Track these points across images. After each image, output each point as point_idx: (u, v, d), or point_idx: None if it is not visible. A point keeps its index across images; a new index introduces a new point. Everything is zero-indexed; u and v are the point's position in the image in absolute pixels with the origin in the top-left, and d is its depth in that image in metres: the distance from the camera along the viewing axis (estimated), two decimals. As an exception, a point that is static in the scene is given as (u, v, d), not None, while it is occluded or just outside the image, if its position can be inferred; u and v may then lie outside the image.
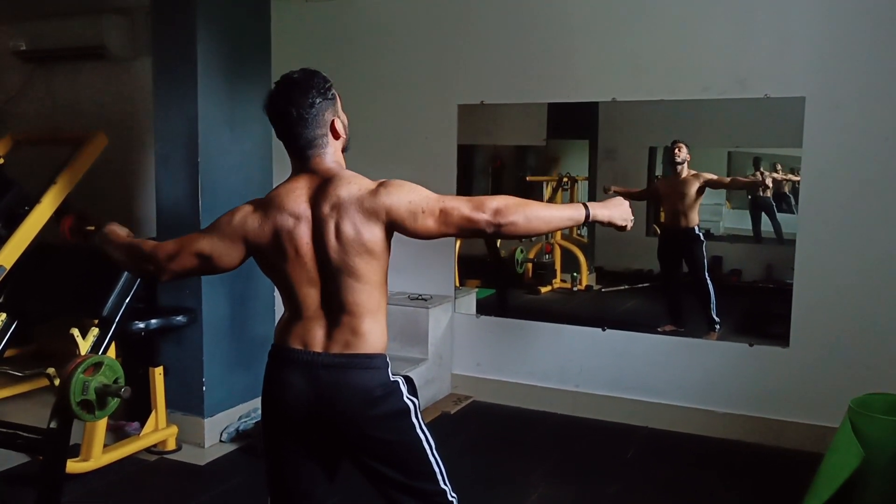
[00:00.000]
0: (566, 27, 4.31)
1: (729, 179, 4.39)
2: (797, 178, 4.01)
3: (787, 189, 4.29)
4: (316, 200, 1.84)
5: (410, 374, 2.07)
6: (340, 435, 1.89)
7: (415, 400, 1.95)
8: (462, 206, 1.79)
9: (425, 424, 1.97)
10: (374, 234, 1.82)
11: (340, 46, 4.80)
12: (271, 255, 1.89)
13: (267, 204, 1.89)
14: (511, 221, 1.77)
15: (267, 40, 4.14)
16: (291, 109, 1.86)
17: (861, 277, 3.80)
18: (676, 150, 4.41)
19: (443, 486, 1.96)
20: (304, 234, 1.84)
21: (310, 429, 1.90)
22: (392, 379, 1.92)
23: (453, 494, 1.98)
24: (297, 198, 1.86)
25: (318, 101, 1.87)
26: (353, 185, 1.83)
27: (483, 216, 1.77)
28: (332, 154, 1.92)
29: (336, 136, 1.92)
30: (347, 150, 1.99)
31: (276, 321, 4.27)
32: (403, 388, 1.93)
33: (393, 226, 1.82)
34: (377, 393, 1.88)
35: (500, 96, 4.39)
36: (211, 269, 1.98)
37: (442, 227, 1.80)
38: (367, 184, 1.84)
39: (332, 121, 1.91)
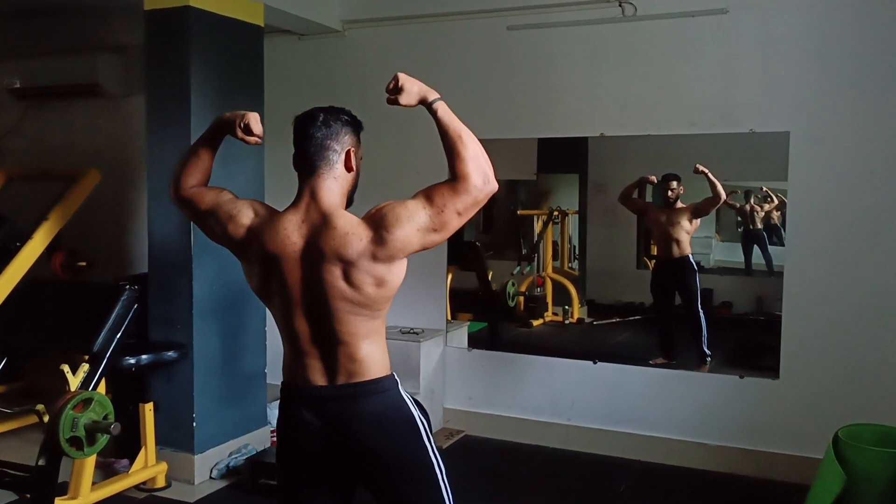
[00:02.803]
0: (555, 64, 4.38)
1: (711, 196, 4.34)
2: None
3: (777, 220, 4.33)
4: (317, 245, 1.83)
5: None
6: (356, 460, 1.90)
7: (425, 421, 1.95)
8: (454, 206, 1.79)
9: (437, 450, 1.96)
10: (396, 273, 1.84)
11: (332, 83, 4.86)
12: (256, 279, 1.93)
13: (261, 231, 1.89)
14: (492, 182, 1.81)
15: (260, 77, 4.19)
16: (320, 114, 1.90)
17: (849, 309, 3.82)
18: (669, 192, 4.45)
19: None
20: (291, 275, 1.85)
21: (325, 460, 1.91)
22: (403, 397, 1.92)
23: None
24: (288, 236, 1.85)
25: (345, 118, 1.93)
26: (353, 237, 1.80)
27: (472, 198, 1.79)
28: (335, 182, 1.89)
29: (348, 166, 1.91)
30: (352, 203, 1.96)
31: (268, 355, 4.29)
32: (414, 409, 1.93)
33: (413, 252, 1.84)
34: (388, 416, 1.89)
35: (491, 132, 4.40)
36: (204, 228, 2.05)
37: (449, 233, 1.83)
38: (365, 232, 1.81)
39: (350, 150, 1.92)
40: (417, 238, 1.80)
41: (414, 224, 1.79)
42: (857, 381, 3.80)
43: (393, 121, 4.71)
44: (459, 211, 1.80)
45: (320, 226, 1.84)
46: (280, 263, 1.85)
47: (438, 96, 1.88)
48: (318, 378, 1.88)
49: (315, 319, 1.87)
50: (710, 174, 4.24)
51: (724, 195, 4.26)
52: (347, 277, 1.81)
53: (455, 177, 1.79)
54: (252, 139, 2.02)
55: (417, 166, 4.67)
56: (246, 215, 1.93)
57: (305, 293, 1.85)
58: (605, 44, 4.27)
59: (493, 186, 1.81)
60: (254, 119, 2.01)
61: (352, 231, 1.81)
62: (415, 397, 1.99)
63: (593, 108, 4.31)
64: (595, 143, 4.49)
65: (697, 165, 4.25)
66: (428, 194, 1.81)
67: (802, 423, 3.90)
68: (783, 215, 4.11)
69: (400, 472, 1.91)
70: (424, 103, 1.89)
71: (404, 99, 1.89)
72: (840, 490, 2.59)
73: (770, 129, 3.93)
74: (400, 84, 1.88)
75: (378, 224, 1.80)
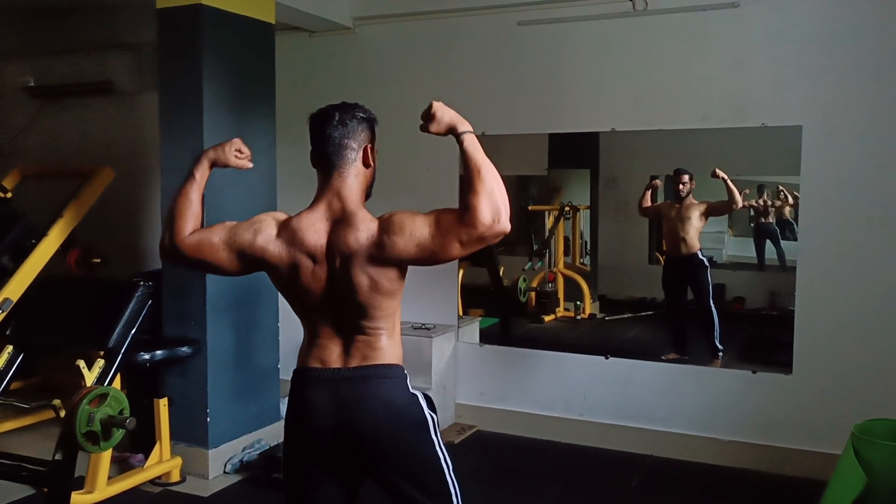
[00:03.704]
0: (565, 59, 4.37)
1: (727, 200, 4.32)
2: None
3: (790, 216, 4.31)
4: (334, 240, 1.88)
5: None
6: (363, 451, 1.91)
7: (433, 415, 1.97)
8: (457, 235, 1.78)
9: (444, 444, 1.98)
10: (390, 278, 1.88)
11: (343, 79, 4.87)
12: (286, 280, 1.94)
13: (291, 231, 1.91)
14: (503, 222, 1.77)
15: (271, 74, 4.21)
16: (336, 113, 1.93)
17: (863, 303, 3.81)
18: (681, 185, 4.44)
19: None
20: (320, 270, 1.89)
21: (334, 448, 1.92)
22: (411, 391, 1.95)
23: None
24: (317, 232, 1.89)
25: (361, 115, 1.96)
26: (361, 233, 1.85)
27: (477, 233, 1.76)
28: (355, 180, 1.93)
29: (366, 162, 1.96)
30: (370, 196, 2.00)
31: (281, 351, 4.31)
32: (422, 402, 1.96)
33: (409, 264, 1.88)
34: (398, 402, 1.92)
35: (502, 127, 4.44)
36: (216, 272, 2.04)
37: (448, 258, 1.84)
38: (373, 232, 1.85)
39: (367, 146, 1.96)
40: (414, 251, 1.82)
41: (414, 238, 1.81)
42: (871, 376, 3.78)
43: (404, 117, 4.73)
44: (462, 241, 1.79)
45: (342, 223, 1.89)
46: (307, 261, 1.89)
47: (469, 129, 1.89)
48: (333, 361, 1.93)
49: (336, 313, 1.92)
50: (729, 181, 4.21)
51: (741, 202, 4.24)
52: (354, 272, 1.85)
53: (465, 208, 1.78)
54: (244, 163, 2.11)
55: (427, 163, 4.68)
56: (269, 224, 1.94)
57: (329, 289, 1.90)
58: (616, 39, 4.25)
59: (504, 227, 1.77)
60: (239, 141, 2.11)
61: (363, 228, 1.86)
62: (426, 392, 2.02)
63: (604, 103, 4.30)
64: (606, 138, 4.48)
65: (717, 171, 4.22)
66: (439, 215, 1.83)
67: (816, 418, 3.88)
68: (796, 210, 4.09)
69: (406, 463, 1.93)
70: (453, 133, 1.90)
71: (434, 127, 1.92)
72: (860, 491, 2.57)
73: (782, 123, 3.91)
74: (433, 112, 1.92)
75: (385, 228, 1.85)
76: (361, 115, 1.97)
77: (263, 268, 1.97)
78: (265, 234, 1.92)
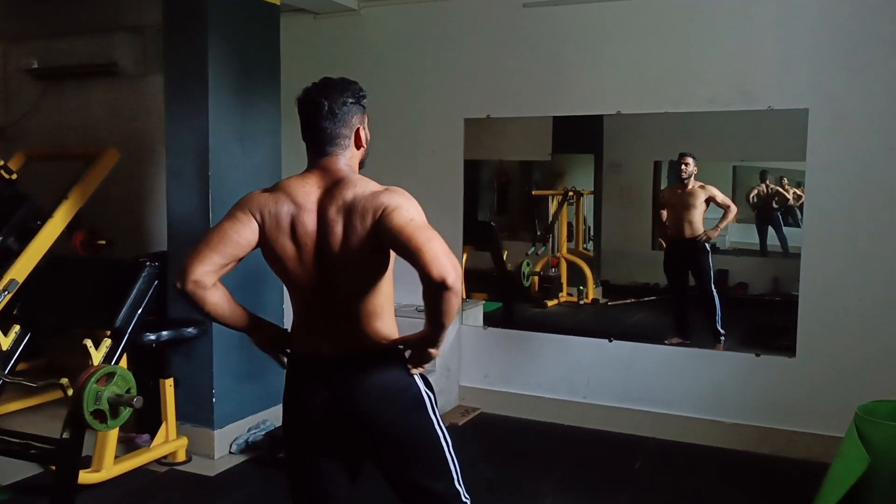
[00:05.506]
0: (571, 41, 4.35)
1: (729, 204, 4.44)
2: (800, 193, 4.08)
3: (793, 202, 4.32)
4: (325, 200, 1.84)
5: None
6: (361, 433, 1.91)
7: (430, 394, 1.96)
8: (431, 263, 1.66)
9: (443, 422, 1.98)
10: (379, 258, 1.85)
11: (349, 61, 4.85)
12: (277, 242, 1.87)
13: (276, 192, 1.88)
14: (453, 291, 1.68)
15: (277, 55, 4.20)
16: (324, 101, 1.88)
17: (867, 287, 3.81)
18: (683, 166, 4.45)
19: (457, 486, 1.98)
20: (310, 229, 1.84)
21: (331, 430, 1.92)
22: (408, 369, 1.93)
23: (467, 496, 2.00)
24: (308, 193, 1.86)
25: (350, 101, 1.91)
26: (358, 188, 1.82)
27: (437, 282, 1.66)
28: (348, 158, 1.92)
29: (358, 144, 1.94)
30: (363, 167, 1.99)
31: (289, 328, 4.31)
32: (419, 381, 1.94)
33: (377, 232, 1.78)
34: (394, 385, 1.90)
35: (506, 110, 4.43)
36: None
37: (406, 258, 1.73)
38: (373, 186, 1.83)
39: (358, 128, 1.93)
40: (373, 244, 1.78)
41: (398, 245, 1.73)
42: (874, 359, 3.79)
43: (408, 99, 4.72)
44: (427, 261, 1.67)
45: (337, 184, 1.85)
46: (301, 219, 1.84)
47: (443, 339, 1.85)
48: (325, 348, 1.90)
49: (326, 292, 1.87)
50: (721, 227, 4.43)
51: (735, 208, 4.40)
52: (346, 230, 1.80)
53: (421, 276, 1.69)
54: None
55: (432, 145, 4.67)
56: (242, 220, 1.87)
57: (318, 264, 1.85)
58: (622, 20, 4.23)
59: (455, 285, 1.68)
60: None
61: (362, 184, 1.83)
62: (422, 372, 2.00)
63: (609, 86, 4.29)
64: (611, 122, 4.47)
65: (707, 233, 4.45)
66: (420, 245, 1.68)
67: (818, 401, 3.90)
68: (799, 197, 4.09)
69: (405, 444, 1.93)
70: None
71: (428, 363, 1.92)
72: (863, 472, 2.59)
73: (789, 107, 3.90)
74: (435, 357, 1.90)
75: (387, 216, 1.75)
76: (350, 99, 1.91)
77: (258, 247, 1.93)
78: (248, 229, 1.86)
